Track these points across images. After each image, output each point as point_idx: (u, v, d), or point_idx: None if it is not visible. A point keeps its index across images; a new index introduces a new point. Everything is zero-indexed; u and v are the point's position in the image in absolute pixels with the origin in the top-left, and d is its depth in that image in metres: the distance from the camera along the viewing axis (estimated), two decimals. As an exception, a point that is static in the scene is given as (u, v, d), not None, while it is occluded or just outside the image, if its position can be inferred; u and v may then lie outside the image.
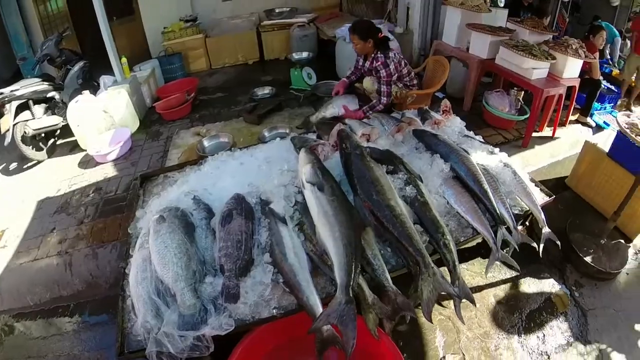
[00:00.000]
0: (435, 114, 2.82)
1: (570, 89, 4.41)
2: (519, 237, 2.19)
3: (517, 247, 2.17)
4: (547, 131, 4.38)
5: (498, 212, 2.09)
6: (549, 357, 2.41)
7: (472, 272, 2.78)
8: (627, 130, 3.16)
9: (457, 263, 1.85)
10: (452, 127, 2.73)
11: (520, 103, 4.28)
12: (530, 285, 2.81)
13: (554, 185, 3.75)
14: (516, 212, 2.27)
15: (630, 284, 3.00)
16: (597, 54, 4.92)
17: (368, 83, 3.24)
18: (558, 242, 2.34)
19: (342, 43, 5.15)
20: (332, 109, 3.32)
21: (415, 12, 5.20)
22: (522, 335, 2.48)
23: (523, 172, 2.54)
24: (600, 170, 3.44)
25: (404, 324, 2.30)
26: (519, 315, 2.59)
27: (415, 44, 5.43)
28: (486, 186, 2.14)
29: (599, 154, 3.48)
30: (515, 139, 4.21)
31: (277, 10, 6.36)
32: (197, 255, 1.79)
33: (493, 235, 2.05)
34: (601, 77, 5.55)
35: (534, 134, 4.28)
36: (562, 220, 3.23)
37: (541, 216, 2.30)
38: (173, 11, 6.06)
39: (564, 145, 4.29)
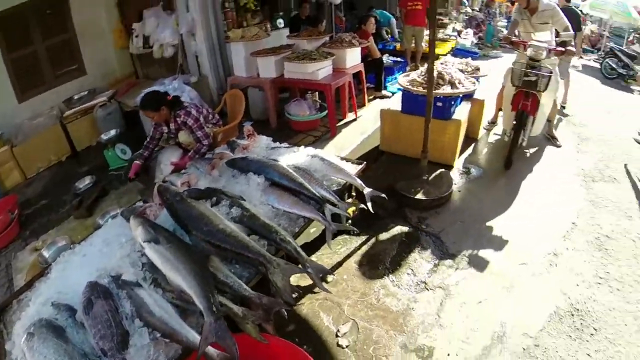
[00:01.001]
0: (242, 141, 3.09)
1: (359, 74, 5.25)
2: (346, 207, 2.58)
3: (348, 215, 2.56)
4: (350, 116, 5.08)
5: (318, 194, 2.45)
6: (425, 283, 2.78)
7: (327, 254, 3.09)
8: (409, 86, 3.96)
9: (299, 249, 2.09)
10: (259, 145, 3.04)
11: (318, 102, 4.90)
12: (382, 239, 3.22)
13: (373, 156, 4.38)
14: (335, 188, 2.65)
15: (463, 197, 3.68)
16: (371, 38, 5.85)
17: (184, 136, 3.37)
18: (383, 195, 2.71)
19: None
20: (165, 167, 3.36)
21: (204, 58, 5.51)
22: (394, 279, 2.83)
23: (331, 155, 2.96)
24: (400, 126, 4.15)
25: (289, 324, 2.52)
26: (383, 267, 2.95)
27: (212, 86, 5.73)
28: (300, 179, 2.48)
29: (395, 114, 4.19)
30: (324, 133, 4.79)
31: (75, 97, 6.07)
32: (75, 351, 1.79)
33: (322, 214, 2.38)
34: (387, 55, 6.65)
35: (340, 123, 4.93)
36: (388, 179, 3.83)
37: (357, 182, 2.70)
38: (-29, 131, 5.38)
39: (368, 121, 5.04)
